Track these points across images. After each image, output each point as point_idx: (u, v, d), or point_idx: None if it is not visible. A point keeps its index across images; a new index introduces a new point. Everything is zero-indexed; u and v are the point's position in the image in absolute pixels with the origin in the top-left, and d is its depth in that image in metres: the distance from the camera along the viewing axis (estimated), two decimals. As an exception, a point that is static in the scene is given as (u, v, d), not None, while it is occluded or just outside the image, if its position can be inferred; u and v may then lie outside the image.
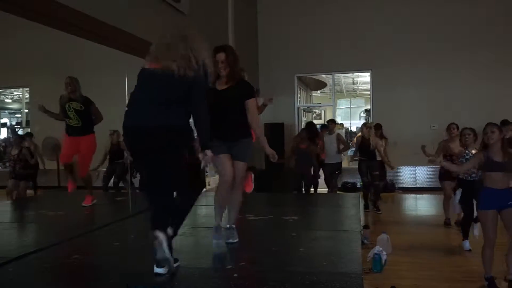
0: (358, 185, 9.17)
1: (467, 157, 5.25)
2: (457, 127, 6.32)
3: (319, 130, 8.76)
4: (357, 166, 8.11)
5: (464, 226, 5.51)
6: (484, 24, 9.54)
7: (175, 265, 2.74)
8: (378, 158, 7.98)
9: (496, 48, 9.50)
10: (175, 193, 2.84)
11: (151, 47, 2.77)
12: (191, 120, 2.76)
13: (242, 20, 8.87)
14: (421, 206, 9.17)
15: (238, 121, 3.34)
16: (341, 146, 8.45)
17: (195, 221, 4.28)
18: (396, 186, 9.97)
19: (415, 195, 9.69)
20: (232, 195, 3.45)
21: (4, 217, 4.83)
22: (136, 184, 5.83)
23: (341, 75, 13.53)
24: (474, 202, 4.82)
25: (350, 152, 10.34)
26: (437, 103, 9.65)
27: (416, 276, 4.60)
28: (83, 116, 4.89)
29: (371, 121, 10.02)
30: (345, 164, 11.20)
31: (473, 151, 5.19)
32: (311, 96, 16.21)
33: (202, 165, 2.75)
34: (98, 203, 5.27)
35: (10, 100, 6.74)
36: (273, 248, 3.36)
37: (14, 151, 5.22)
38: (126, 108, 2.72)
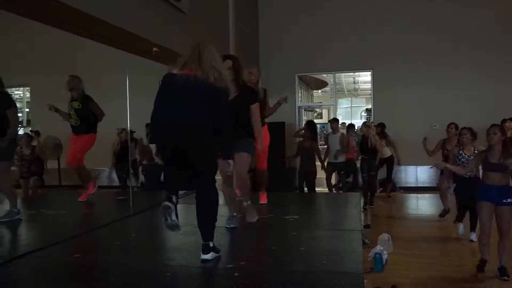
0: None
1: (459, 157, 5.40)
2: (456, 127, 6.38)
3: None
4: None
5: (460, 211, 5.88)
6: (485, 23, 9.54)
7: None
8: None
9: (497, 48, 9.49)
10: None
11: (181, 56, 3.01)
12: None
13: (243, 19, 8.87)
14: (422, 205, 9.17)
15: (242, 124, 3.68)
16: (340, 147, 8.43)
17: (194, 220, 4.26)
18: (397, 186, 9.98)
19: (416, 194, 9.68)
20: (238, 182, 3.88)
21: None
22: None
23: (342, 74, 13.52)
24: None
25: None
26: (438, 102, 9.64)
27: (416, 275, 4.60)
28: (81, 115, 4.90)
29: (372, 120, 10.03)
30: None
31: (468, 152, 5.34)
32: (312, 95, 16.21)
33: (226, 171, 3.14)
34: (99, 202, 5.28)
35: (11, 99, 6.73)
36: (274, 247, 3.36)
37: (27, 151, 5.27)
38: (155, 107, 2.92)
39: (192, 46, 2.97)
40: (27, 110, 6.39)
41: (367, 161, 8.05)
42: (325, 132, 14.53)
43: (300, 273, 2.70)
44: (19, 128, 5.51)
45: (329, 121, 9.53)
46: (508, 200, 4.29)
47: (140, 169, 6.76)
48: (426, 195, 9.43)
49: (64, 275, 2.88)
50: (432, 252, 5.46)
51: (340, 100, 17.76)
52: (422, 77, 9.89)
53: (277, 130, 9.71)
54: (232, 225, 3.83)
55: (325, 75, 12.76)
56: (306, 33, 10.37)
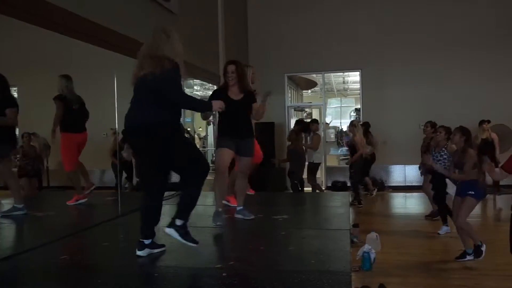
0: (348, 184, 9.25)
1: (434, 153, 5.88)
2: (432, 126, 6.57)
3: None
4: (345, 166, 8.43)
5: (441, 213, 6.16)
6: (474, 22, 9.65)
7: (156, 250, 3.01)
8: None
9: (487, 47, 9.60)
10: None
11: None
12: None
13: (232, 19, 8.87)
14: (410, 204, 9.25)
15: (246, 124, 4.04)
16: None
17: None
18: (385, 184, 10.07)
19: (404, 193, 9.76)
20: (241, 184, 4.17)
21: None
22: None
23: (332, 74, 13.59)
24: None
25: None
26: (426, 102, 9.74)
27: (404, 273, 4.65)
28: None
29: (360, 120, 10.11)
30: (335, 163, 11.31)
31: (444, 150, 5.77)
32: (301, 95, 16.24)
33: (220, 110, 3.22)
34: (86, 203, 5.24)
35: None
36: (262, 247, 3.37)
37: (31, 150, 5.33)
38: None
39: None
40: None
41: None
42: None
43: (288, 273, 2.71)
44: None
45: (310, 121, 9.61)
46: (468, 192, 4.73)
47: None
48: (414, 193, 9.51)
49: (50, 277, 2.86)
50: (420, 250, 5.51)
51: (329, 100, 17.82)
52: (410, 77, 9.99)
53: (267, 130, 9.76)
54: (218, 223, 3.86)
55: (314, 75, 12.81)
56: (295, 33, 10.41)
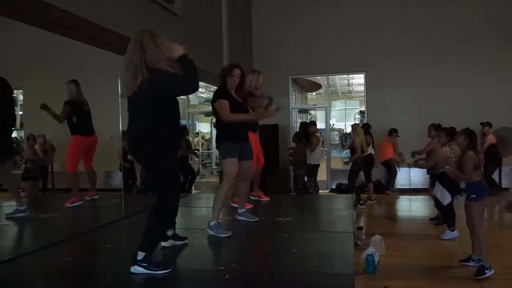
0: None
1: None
2: (435, 128, 6.56)
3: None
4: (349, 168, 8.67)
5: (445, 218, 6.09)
6: (478, 24, 9.62)
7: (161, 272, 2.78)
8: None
9: (492, 49, 9.56)
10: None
11: None
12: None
13: (236, 22, 8.88)
14: (415, 207, 9.20)
15: (247, 126, 4.02)
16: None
17: (186, 223, 4.27)
18: (392, 188, 10.02)
19: (409, 196, 9.72)
20: (244, 187, 4.18)
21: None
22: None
23: (336, 76, 13.58)
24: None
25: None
26: (431, 104, 9.70)
27: (408, 277, 4.62)
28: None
29: (366, 122, 10.10)
30: (339, 166, 11.31)
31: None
32: (306, 97, 16.24)
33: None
34: (90, 205, 5.26)
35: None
36: (265, 249, 3.37)
37: (33, 152, 5.34)
38: None
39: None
40: (21, 113, 6.37)
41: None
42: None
43: (291, 275, 2.71)
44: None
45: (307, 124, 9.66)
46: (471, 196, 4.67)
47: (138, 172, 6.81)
48: (419, 196, 9.47)
49: (53, 279, 2.87)
50: (425, 253, 5.48)
51: (334, 102, 17.83)
52: (415, 79, 9.96)
53: (271, 132, 9.75)
54: (228, 234, 3.64)
55: (319, 77, 12.81)
56: (300, 36, 10.41)
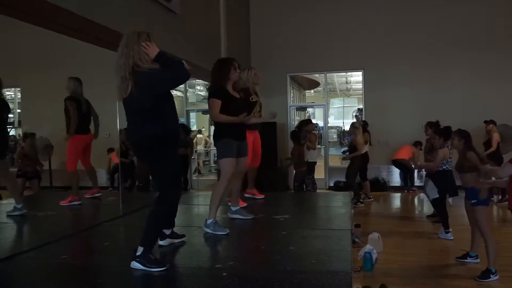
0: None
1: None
2: (430, 126, 6.55)
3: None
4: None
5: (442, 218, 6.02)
6: (477, 24, 9.59)
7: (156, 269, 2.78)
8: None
9: (489, 48, 9.53)
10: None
11: None
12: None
13: (234, 19, 8.86)
14: (412, 204, 9.22)
15: (244, 126, 3.95)
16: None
17: (184, 221, 4.28)
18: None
19: (406, 194, 9.73)
20: (238, 184, 4.18)
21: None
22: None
23: (334, 74, 13.57)
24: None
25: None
26: (429, 103, 9.68)
27: (406, 274, 4.64)
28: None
29: (363, 120, 10.10)
30: (337, 163, 11.32)
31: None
32: (304, 95, 16.24)
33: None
34: (88, 203, 5.26)
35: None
36: (263, 247, 3.37)
37: (31, 151, 5.35)
38: None
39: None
40: (19, 111, 6.36)
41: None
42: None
43: (289, 273, 2.71)
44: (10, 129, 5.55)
45: (298, 122, 9.73)
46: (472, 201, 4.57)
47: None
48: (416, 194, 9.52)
49: (50, 277, 2.87)
50: (422, 251, 5.50)
51: (332, 100, 17.83)
52: (413, 77, 9.95)
53: (269, 130, 9.74)
54: (227, 232, 3.63)
55: (317, 75, 12.80)
56: (298, 33, 10.39)
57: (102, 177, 6.45)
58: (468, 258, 4.84)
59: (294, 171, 8.45)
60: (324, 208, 5.07)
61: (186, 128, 9.22)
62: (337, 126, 18.13)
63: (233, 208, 4.20)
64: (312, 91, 16.65)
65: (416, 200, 9.32)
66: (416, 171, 9.57)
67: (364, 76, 10.58)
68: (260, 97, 4.67)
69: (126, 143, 6.24)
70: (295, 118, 11.86)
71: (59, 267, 3.02)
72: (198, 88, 12.39)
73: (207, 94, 3.93)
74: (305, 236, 3.62)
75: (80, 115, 5.00)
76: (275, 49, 10.38)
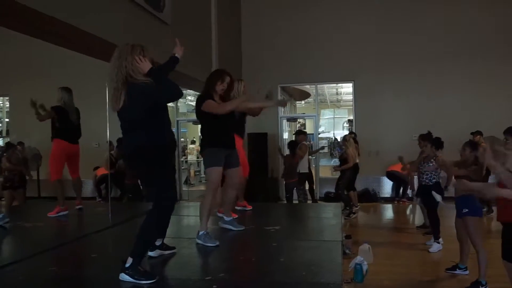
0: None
1: (421, 166, 6.05)
2: (422, 138, 6.54)
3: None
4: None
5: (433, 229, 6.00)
6: (466, 32, 9.71)
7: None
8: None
9: (478, 57, 9.65)
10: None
11: None
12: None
13: (225, 30, 8.91)
14: (403, 215, 9.25)
15: (233, 130, 3.98)
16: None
17: (174, 232, 4.24)
18: (378, 195, 10.10)
19: (396, 204, 9.77)
20: (231, 195, 4.14)
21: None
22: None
23: (325, 85, 13.65)
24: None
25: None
26: (418, 113, 9.78)
27: (396, 285, 4.64)
28: None
29: (353, 131, 10.17)
30: (328, 174, 11.35)
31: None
32: (295, 106, 16.30)
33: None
34: (76, 213, 5.20)
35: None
36: (253, 259, 3.35)
37: (17, 160, 5.25)
38: None
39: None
40: (7, 120, 6.29)
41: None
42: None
43: (279, 284, 2.70)
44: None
45: (294, 133, 9.71)
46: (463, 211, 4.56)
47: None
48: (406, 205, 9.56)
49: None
50: (412, 262, 5.51)
51: (323, 111, 17.91)
52: (403, 88, 10.05)
53: (260, 141, 9.77)
54: (216, 244, 3.59)
55: (308, 86, 12.88)
56: (289, 45, 10.46)
57: (89, 187, 6.40)
58: (457, 270, 4.85)
59: (285, 182, 8.47)
60: (315, 219, 5.06)
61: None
62: (327, 137, 18.20)
63: (226, 219, 4.17)
64: (303, 102, 16.73)
65: (407, 211, 9.36)
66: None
67: (354, 87, 10.66)
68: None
69: (113, 154, 6.22)
70: (285, 129, 11.88)
71: (47, 278, 2.97)
72: (189, 98, 12.36)
73: (195, 102, 3.91)
74: (296, 247, 3.61)
75: (67, 124, 4.96)
76: (266, 60, 10.44)
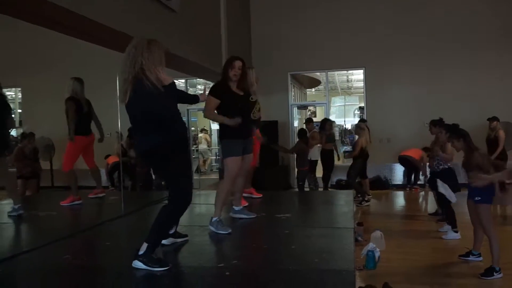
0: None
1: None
2: (434, 124, 6.41)
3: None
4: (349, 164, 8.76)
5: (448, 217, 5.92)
6: (478, 23, 9.55)
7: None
8: None
9: (489, 46, 9.51)
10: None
11: None
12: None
13: (235, 17, 8.84)
14: (415, 202, 9.20)
15: (249, 124, 3.95)
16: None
17: (186, 220, 4.26)
18: (390, 183, 10.04)
19: (408, 191, 9.71)
20: (242, 182, 4.17)
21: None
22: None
23: (336, 72, 13.54)
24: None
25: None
26: (430, 100, 9.65)
27: (409, 272, 4.61)
28: None
29: (364, 118, 10.09)
30: (339, 162, 11.30)
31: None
32: (305, 94, 16.21)
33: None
34: (89, 202, 5.25)
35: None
36: (265, 246, 3.36)
37: (30, 151, 5.40)
38: None
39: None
40: (20, 111, 6.36)
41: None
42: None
43: (292, 271, 2.70)
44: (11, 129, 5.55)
45: (304, 121, 9.66)
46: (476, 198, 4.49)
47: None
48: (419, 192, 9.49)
49: (52, 277, 2.86)
50: (425, 249, 5.47)
51: (333, 99, 17.78)
52: (414, 75, 9.92)
53: (270, 129, 9.72)
54: (228, 231, 3.61)
55: (318, 73, 12.78)
56: (299, 32, 10.36)
57: (103, 177, 6.46)
58: (470, 256, 4.82)
59: (296, 170, 8.47)
60: (326, 207, 5.04)
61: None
62: (338, 125, 18.10)
63: (236, 208, 4.18)
64: (313, 89, 16.63)
65: (419, 198, 9.30)
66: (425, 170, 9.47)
67: (365, 74, 10.55)
68: (259, 97, 4.62)
69: (123, 144, 6.26)
70: (296, 117, 11.81)
71: (60, 267, 3.01)
72: (199, 87, 12.36)
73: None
74: (307, 234, 3.60)
75: (81, 116, 4.99)
76: (276, 48, 10.35)
